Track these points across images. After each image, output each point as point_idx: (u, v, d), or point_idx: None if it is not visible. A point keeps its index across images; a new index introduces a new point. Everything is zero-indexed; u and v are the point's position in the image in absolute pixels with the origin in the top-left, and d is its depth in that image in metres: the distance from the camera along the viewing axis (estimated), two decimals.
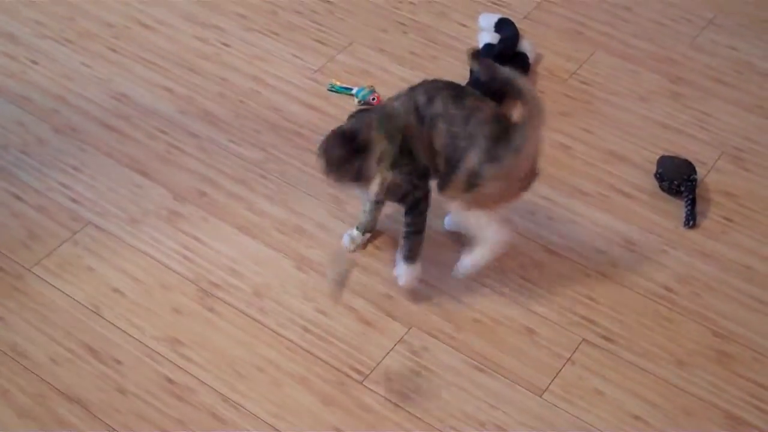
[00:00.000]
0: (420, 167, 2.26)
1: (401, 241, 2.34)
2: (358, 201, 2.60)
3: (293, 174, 2.68)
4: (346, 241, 2.50)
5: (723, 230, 2.58)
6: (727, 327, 2.37)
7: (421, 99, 2.22)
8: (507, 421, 2.17)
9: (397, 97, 2.27)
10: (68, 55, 3.05)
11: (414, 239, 2.33)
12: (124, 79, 2.97)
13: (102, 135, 2.79)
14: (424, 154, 2.24)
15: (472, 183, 2.19)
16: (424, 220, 2.33)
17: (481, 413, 2.18)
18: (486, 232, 2.28)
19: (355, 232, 2.50)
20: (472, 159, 2.17)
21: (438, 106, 2.20)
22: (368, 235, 2.51)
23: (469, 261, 2.33)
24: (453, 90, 2.23)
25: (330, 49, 3.10)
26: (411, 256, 2.34)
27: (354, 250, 2.50)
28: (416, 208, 2.30)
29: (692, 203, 2.60)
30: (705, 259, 2.51)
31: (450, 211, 2.43)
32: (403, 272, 2.35)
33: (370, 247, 2.51)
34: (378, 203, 2.47)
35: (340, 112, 2.86)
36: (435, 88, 2.24)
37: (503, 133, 2.17)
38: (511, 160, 2.16)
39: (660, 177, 2.66)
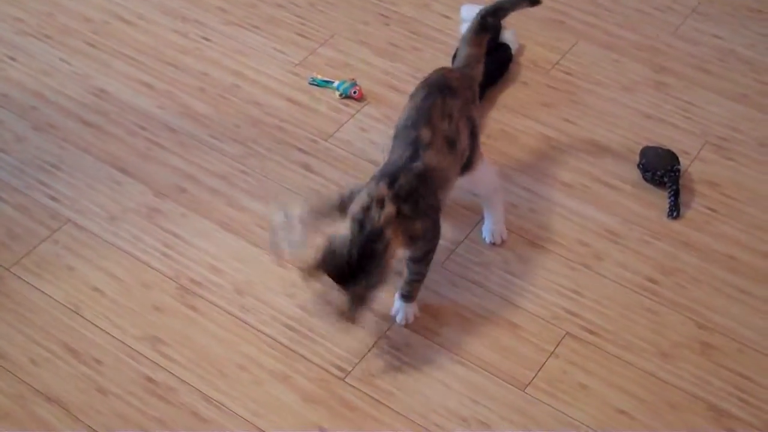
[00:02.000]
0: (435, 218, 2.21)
1: (403, 285, 2.29)
2: None
3: (274, 169, 2.66)
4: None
5: (707, 221, 2.57)
6: (712, 318, 2.36)
7: (445, 125, 2.21)
8: (490, 416, 2.16)
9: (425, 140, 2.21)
10: (47, 51, 3.02)
11: (419, 284, 2.29)
12: (103, 75, 2.94)
13: (81, 131, 2.76)
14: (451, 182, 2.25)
15: (475, 135, 2.30)
16: (430, 265, 2.27)
17: (464, 409, 2.17)
18: (497, 179, 2.46)
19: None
20: (466, 127, 2.26)
21: (456, 116, 2.22)
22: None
23: (493, 226, 2.47)
24: (443, 89, 2.25)
25: (311, 42, 3.08)
26: (412, 298, 2.31)
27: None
28: (429, 258, 2.25)
29: (676, 194, 2.58)
30: (689, 249, 2.50)
31: (479, 186, 2.42)
32: (403, 310, 2.32)
33: None
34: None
35: (321, 105, 2.84)
36: (445, 103, 2.23)
37: (467, 75, 2.34)
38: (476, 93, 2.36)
39: (643, 167, 2.64)
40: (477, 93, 2.37)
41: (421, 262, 2.23)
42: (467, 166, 2.30)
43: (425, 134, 2.17)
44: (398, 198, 2.08)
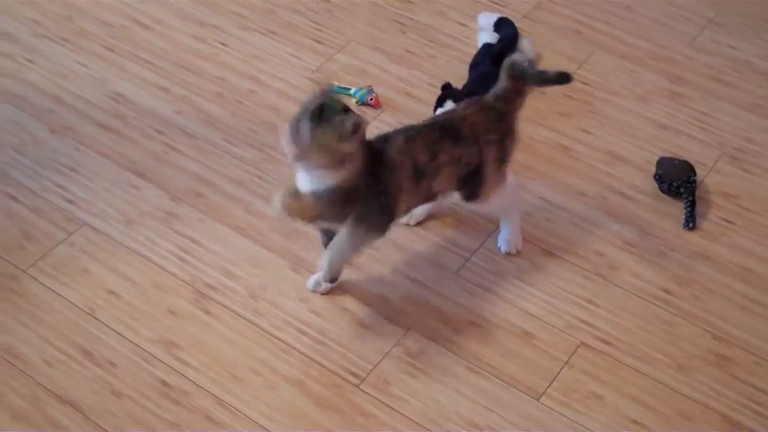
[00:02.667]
0: (383, 205, 2.21)
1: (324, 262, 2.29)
2: None
3: (290, 174, 2.66)
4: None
5: (723, 232, 2.57)
6: (727, 330, 2.35)
7: (423, 157, 2.20)
8: (504, 425, 2.15)
9: (398, 137, 2.22)
10: (65, 54, 3.03)
11: (332, 252, 2.27)
12: (121, 79, 2.95)
13: (98, 135, 2.77)
14: (407, 202, 2.25)
15: (501, 161, 2.31)
16: (354, 250, 2.26)
17: (478, 416, 2.17)
18: (516, 197, 2.47)
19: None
20: (492, 151, 2.27)
21: (443, 157, 2.22)
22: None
23: (509, 236, 2.48)
24: (450, 134, 2.23)
25: (328, 48, 3.08)
26: (326, 274, 2.32)
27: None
28: (362, 226, 2.21)
29: (692, 205, 2.58)
30: (705, 261, 2.50)
31: (492, 210, 2.44)
32: (312, 281, 2.38)
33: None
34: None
35: None
36: (434, 141, 2.21)
37: (500, 113, 2.29)
38: (514, 119, 2.32)
39: (659, 178, 2.64)
40: (511, 128, 2.32)
41: (353, 228, 2.21)
42: (472, 197, 2.32)
43: (396, 136, 2.21)
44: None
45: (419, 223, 2.54)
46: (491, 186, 2.31)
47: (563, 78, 2.27)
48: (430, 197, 2.30)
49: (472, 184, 2.29)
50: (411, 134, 2.22)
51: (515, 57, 2.29)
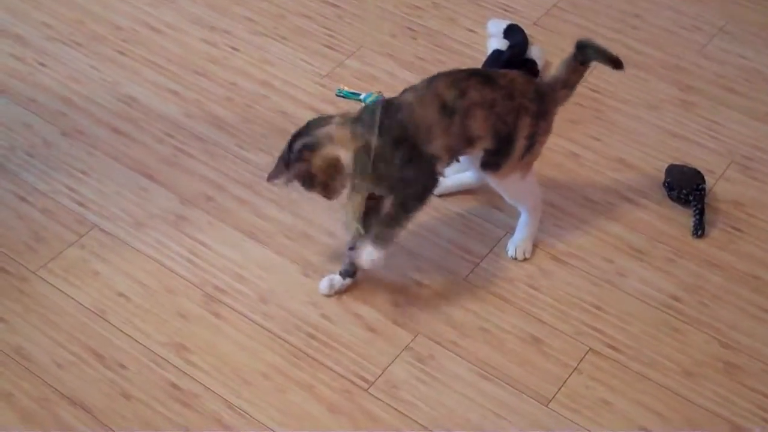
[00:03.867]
0: (425, 158, 2.21)
1: (374, 227, 2.26)
2: None
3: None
4: (324, 285, 2.40)
5: (731, 240, 2.57)
6: (735, 338, 2.35)
7: (450, 94, 2.21)
8: (512, 431, 2.16)
9: (412, 90, 2.26)
10: (76, 58, 3.05)
11: (387, 230, 2.24)
12: (132, 82, 2.96)
13: (109, 138, 2.78)
14: (443, 145, 2.22)
15: (530, 145, 2.30)
16: (409, 218, 2.25)
17: (487, 422, 2.17)
18: (535, 197, 2.46)
19: (337, 278, 2.40)
20: (526, 124, 2.27)
21: (473, 95, 2.21)
22: (349, 280, 2.40)
23: (520, 242, 2.49)
24: (480, 76, 2.26)
25: (338, 54, 3.09)
26: (379, 241, 2.25)
27: (331, 296, 2.40)
28: (412, 199, 2.23)
29: (701, 212, 2.58)
30: (713, 268, 2.50)
31: (506, 193, 2.42)
32: (365, 253, 2.25)
33: None
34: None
35: None
36: (461, 79, 2.24)
37: (540, 90, 2.32)
38: (554, 107, 2.36)
39: (668, 186, 2.65)
40: (548, 112, 2.34)
41: (403, 205, 2.23)
42: (491, 166, 2.30)
43: (418, 85, 2.25)
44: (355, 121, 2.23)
45: (448, 195, 2.57)
46: (514, 163, 2.30)
47: (619, 63, 2.38)
48: (468, 141, 2.25)
49: (499, 150, 2.27)
50: (431, 78, 2.26)
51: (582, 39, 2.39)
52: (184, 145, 2.77)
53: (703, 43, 3.20)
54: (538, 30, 3.20)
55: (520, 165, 2.32)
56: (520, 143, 2.28)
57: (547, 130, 2.35)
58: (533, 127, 2.28)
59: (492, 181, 2.36)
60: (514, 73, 2.32)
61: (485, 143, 2.26)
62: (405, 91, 2.27)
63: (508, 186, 2.37)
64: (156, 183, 2.66)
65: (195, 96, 2.92)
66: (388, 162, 2.18)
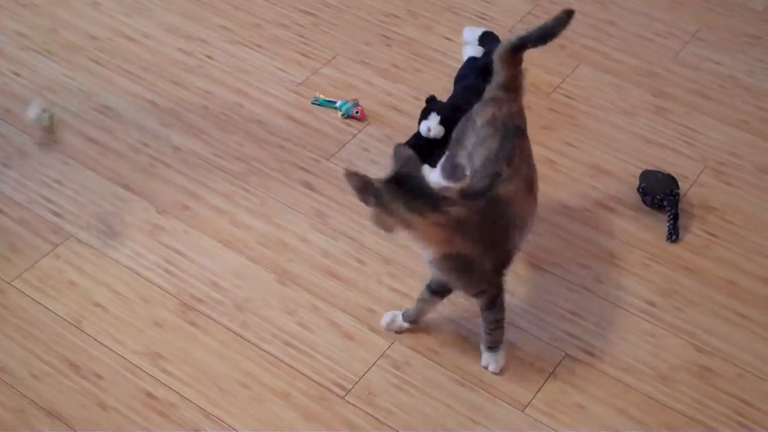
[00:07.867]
0: (499, 261, 2.20)
1: (485, 335, 2.26)
2: (342, 215, 2.60)
3: (276, 187, 2.68)
4: (386, 319, 2.36)
5: (706, 245, 2.59)
6: (710, 342, 2.37)
7: (524, 165, 2.25)
8: None
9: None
10: (51, 67, 3.04)
11: (500, 332, 2.26)
12: (107, 92, 2.96)
13: (84, 148, 2.78)
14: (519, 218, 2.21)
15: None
16: (504, 310, 2.24)
17: (464, 428, 2.18)
18: None
19: (399, 317, 2.35)
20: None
21: (520, 152, 2.25)
22: (408, 326, 2.36)
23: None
24: (516, 131, 2.28)
25: (314, 62, 3.10)
26: (497, 346, 2.28)
27: (388, 330, 2.37)
28: (495, 304, 2.22)
29: (675, 218, 2.60)
30: (688, 273, 2.52)
31: None
32: (493, 360, 2.28)
33: (352, 261, 2.50)
34: (438, 292, 2.30)
35: (323, 125, 2.86)
36: (515, 145, 2.24)
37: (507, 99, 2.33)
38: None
39: (643, 191, 2.66)
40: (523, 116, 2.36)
41: (490, 309, 2.22)
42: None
43: (504, 171, 2.19)
44: (466, 197, 2.10)
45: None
46: None
47: (564, 18, 2.35)
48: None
49: None
50: (507, 153, 2.22)
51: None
52: (160, 154, 2.76)
53: (677, 49, 3.22)
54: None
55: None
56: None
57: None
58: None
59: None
60: (504, 107, 2.31)
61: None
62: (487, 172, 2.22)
63: None
64: (132, 192, 2.66)
65: (170, 105, 2.92)
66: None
